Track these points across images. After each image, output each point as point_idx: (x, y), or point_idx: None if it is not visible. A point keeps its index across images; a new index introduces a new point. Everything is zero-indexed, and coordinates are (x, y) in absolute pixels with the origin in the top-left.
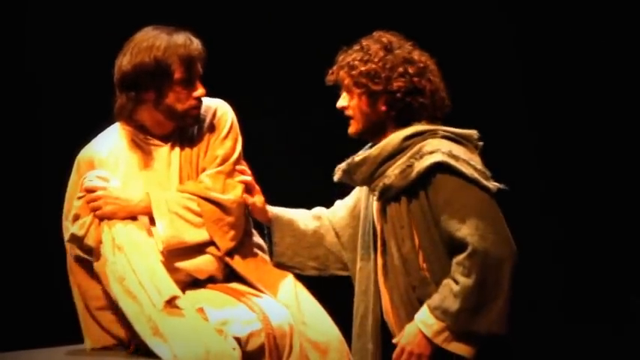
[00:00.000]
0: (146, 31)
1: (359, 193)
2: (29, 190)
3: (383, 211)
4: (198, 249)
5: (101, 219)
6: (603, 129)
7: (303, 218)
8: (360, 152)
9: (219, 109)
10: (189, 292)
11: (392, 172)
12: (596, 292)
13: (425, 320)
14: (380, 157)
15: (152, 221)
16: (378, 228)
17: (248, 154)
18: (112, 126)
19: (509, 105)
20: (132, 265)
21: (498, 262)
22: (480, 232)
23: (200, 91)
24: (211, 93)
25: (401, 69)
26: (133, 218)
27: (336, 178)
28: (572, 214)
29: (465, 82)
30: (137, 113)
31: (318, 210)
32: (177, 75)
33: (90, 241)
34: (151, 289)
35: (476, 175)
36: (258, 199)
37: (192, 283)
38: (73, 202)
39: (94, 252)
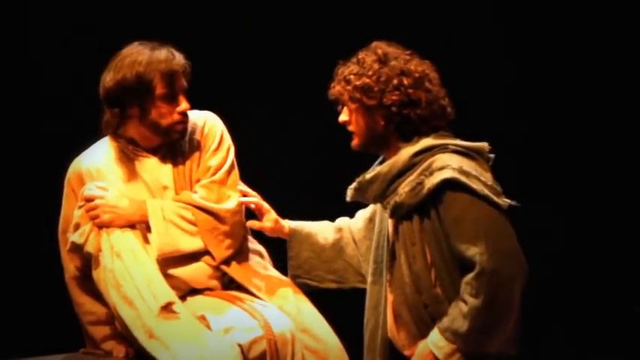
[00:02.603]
0: (131, 46)
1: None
2: (27, 200)
3: (395, 228)
4: (194, 258)
5: (100, 227)
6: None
7: (324, 231)
8: (371, 169)
9: (209, 121)
10: (189, 299)
11: (402, 190)
12: (599, 302)
13: (436, 342)
14: (390, 174)
15: (149, 229)
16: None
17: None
18: (102, 139)
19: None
20: (129, 272)
21: (508, 281)
22: (490, 250)
23: (184, 105)
24: (210, 103)
25: (395, 81)
26: (132, 226)
27: (348, 197)
28: (574, 222)
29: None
30: (124, 128)
31: (340, 221)
32: (159, 90)
33: (90, 248)
34: (147, 295)
35: (486, 191)
36: (267, 219)
37: (191, 290)
38: (68, 216)
39: (93, 259)
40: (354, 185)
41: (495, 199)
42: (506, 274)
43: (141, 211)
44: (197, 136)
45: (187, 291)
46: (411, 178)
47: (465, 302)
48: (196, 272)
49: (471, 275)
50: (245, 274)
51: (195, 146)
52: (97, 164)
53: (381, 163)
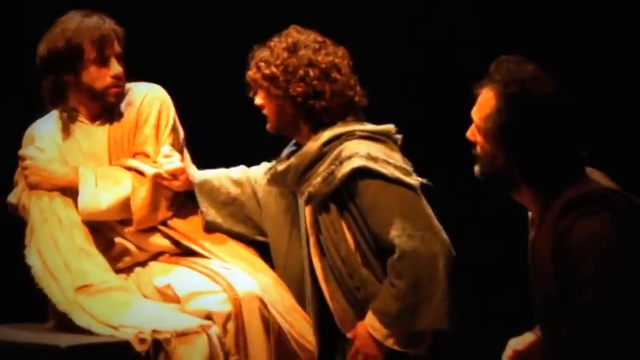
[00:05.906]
0: (65, 15)
1: None
2: None
3: (315, 216)
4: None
5: (30, 188)
6: None
7: (225, 186)
8: (284, 153)
9: (151, 92)
10: (150, 264)
11: (315, 181)
12: None
13: (372, 324)
14: (301, 166)
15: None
16: (310, 231)
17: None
18: (52, 111)
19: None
20: (54, 242)
21: (429, 259)
22: (407, 232)
23: (116, 69)
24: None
25: (301, 72)
26: (64, 192)
27: (266, 183)
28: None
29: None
30: (66, 97)
31: (241, 173)
32: (88, 54)
33: (22, 209)
34: (66, 273)
35: (397, 173)
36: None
37: (152, 257)
38: None
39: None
40: (267, 176)
41: (406, 179)
42: (426, 252)
43: (69, 177)
44: (136, 106)
45: (148, 257)
46: (322, 168)
47: (393, 285)
48: (143, 236)
49: (393, 258)
50: (195, 235)
51: (133, 117)
52: (48, 131)
53: (294, 144)
